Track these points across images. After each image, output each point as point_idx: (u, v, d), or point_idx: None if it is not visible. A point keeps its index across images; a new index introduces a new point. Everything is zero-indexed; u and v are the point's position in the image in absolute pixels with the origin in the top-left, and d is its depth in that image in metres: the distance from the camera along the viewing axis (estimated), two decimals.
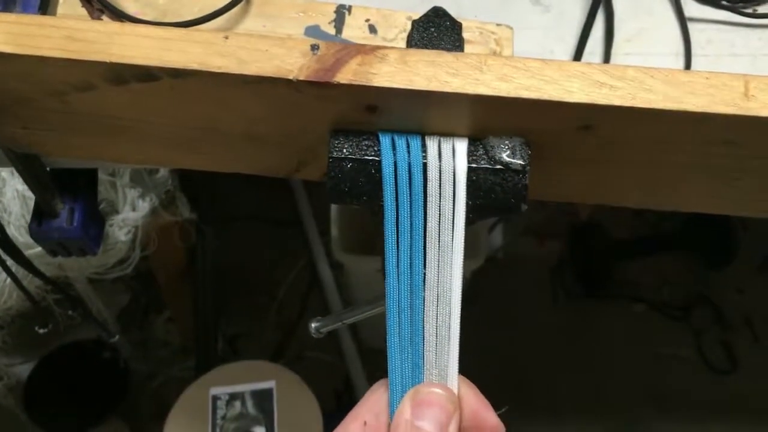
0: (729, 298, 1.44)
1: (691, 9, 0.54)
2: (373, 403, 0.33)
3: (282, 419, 0.93)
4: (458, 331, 0.34)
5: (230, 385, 0.95)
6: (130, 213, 0.89)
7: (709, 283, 1.44)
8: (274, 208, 1.40)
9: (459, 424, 0.32)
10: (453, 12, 0.40)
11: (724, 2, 0.54)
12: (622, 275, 1.43)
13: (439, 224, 0.34)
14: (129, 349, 1.16)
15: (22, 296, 0.88)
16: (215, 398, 0.94)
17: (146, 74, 0.32)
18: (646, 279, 1.44)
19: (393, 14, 0.50)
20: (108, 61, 0.32)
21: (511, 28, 0.49)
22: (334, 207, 1.08)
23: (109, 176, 0.87)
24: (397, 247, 0.34)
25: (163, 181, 0.94)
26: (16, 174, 0.87)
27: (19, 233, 0.84)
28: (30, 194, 0.87)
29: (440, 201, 0.34)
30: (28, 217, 0.86)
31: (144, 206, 0.90)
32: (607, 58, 0.52)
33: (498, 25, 0.49)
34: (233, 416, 0.93)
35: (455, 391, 0.33)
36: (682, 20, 0.53)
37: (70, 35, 0.33)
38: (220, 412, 0.93)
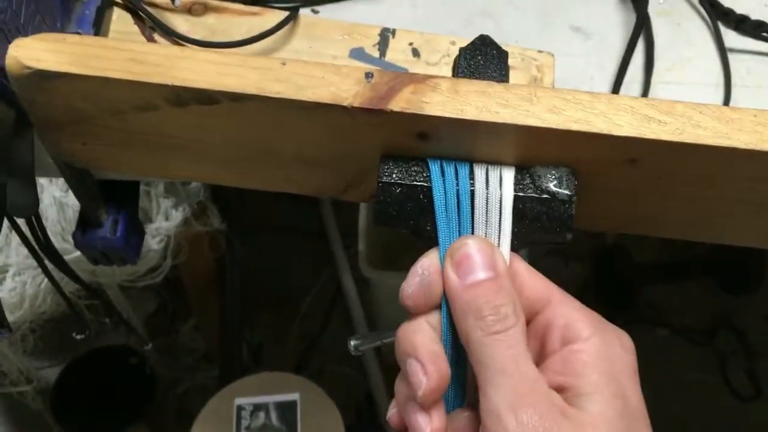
0: (754, 324, 1.42)
1: (731, 39, 0.54)
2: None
3: None
4: None
5: (255, 395, 0.96)
6: (163, 222, 0.90)
7: (734, 309, 1.43)
8: (301, 220, 1.41)
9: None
10: (494, 37, 0.40)
11: (764, 33, 0.54)
12: (646, 299, 1.43)
13: None
14: (155, 355, 1.17)
15: (56, 301, 0.90)
16: (240, 408, 0.95)
17: (207, 97, 0.33)
18: (670, 303, 1.43)
19: (436, 38, 0.50)
20: (171, 84, 0.33)
21: (553, 55, 0.49)
22: (362, 222, 1.08)
23: (144, 186, 0.89)
24: None
25: (196, 192, 0.95)
26: (54, 181, 0.89)
27: (55, 239, 0.85)
28: (66, 201, 0.89)
29: (486, 228, 0.35)
30: (65, 224, 0.89)
31: (177, 216, 0.91)
32: (647, 87, 0.52)
33: (540, 51, 0.49)
34: (257, 427, 0.94)
35: None
36: (722, 51, 0.53)
37: (133, 57, 0.34)
38: (244, 422, 0.94)
